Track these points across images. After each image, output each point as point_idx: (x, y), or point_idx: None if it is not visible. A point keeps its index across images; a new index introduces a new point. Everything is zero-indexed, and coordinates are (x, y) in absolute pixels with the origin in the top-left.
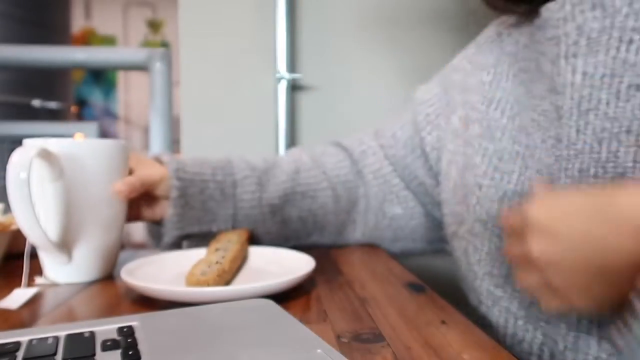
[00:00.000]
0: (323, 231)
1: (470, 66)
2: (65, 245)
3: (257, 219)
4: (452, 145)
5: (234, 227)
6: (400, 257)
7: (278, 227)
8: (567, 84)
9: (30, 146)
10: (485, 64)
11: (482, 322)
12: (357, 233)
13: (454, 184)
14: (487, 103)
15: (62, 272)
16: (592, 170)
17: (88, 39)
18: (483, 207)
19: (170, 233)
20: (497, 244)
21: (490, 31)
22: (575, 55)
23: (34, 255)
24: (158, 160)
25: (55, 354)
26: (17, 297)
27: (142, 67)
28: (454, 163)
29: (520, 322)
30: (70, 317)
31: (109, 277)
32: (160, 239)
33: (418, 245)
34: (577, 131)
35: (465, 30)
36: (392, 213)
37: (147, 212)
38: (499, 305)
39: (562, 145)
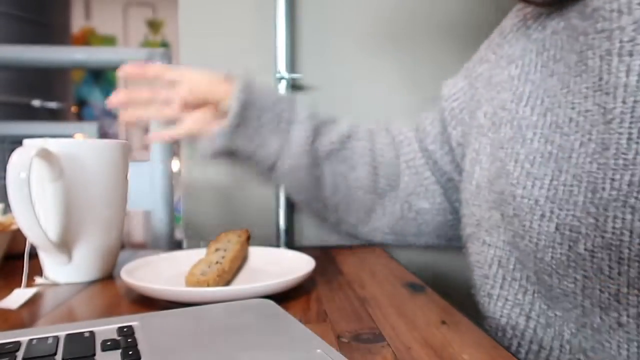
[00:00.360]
0: (350, 206)
1: (494, 57)
2: (65, 245)
3: (300, 162)
4: (477, 144)
5: (274, 163)
6: (402, 255)
7: (312, 181)
8: (619, 85)
9: (30, 146)
10: (513, 55)
11: (486, 322)
12: (384, 220)
13: (476, 185)
14: (516, 100)
15: (62, 272)
16: None
17: (88, 39)
18: (520, 219)
19: (219, 141)
20: (533, 262)
21: (514, 17)
22: (631, 54)
23: (34, 255)
24: (228, 78)
25: (55, 354)
26: (17, 297)
27: None
28: (478, 163)
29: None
30: (70, 317)
31: (109, 277)
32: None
33: (442, 242)
34: (629, 139)
35: (467, 31)
36: (419, 207)
37: (213, 126)
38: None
39: (608, 153)
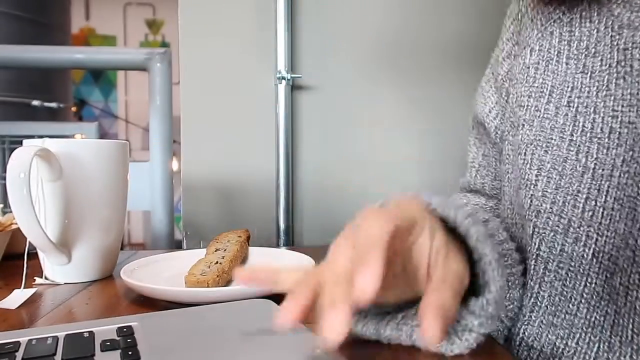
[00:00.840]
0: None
1: (509, 45)
2: (64, 245)
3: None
4: (505, 151)
5: None
6: None
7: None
8: None
9: (30, 146)
10: (529, 39)
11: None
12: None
13: (509, 202)
14: (535, 95)
15: (62, 272)
16: None
17: (88, 38)
18: (543, 240)
19: (487, 320)
20: (561, 289)
21: None
22: None
23: (34, 255)
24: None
25: (54, 354)
26: (17, 297)
27: (141, 67)
28: (506, 174)
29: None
30: (69, 317)
31: (108, 277)
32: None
33: None
34: None
35: (469, 45)
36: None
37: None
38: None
39: None
